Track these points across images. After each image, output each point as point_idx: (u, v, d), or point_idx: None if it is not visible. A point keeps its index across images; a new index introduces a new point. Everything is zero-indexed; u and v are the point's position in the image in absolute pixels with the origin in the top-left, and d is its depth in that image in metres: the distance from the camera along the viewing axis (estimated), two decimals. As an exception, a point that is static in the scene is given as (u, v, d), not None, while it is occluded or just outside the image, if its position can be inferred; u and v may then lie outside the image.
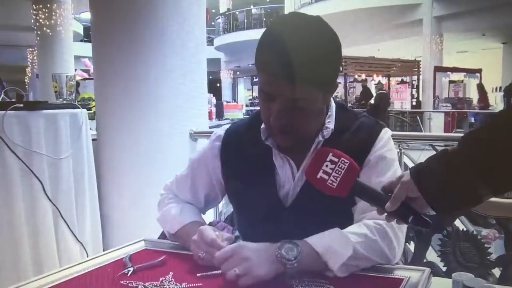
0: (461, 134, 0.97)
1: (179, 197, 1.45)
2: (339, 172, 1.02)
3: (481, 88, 15.39)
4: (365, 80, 16.56)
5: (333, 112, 1.29)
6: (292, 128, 1.18)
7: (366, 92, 15.78)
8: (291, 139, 1.21)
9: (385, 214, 1.02)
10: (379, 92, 13.86)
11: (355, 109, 1.44)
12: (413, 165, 1.53)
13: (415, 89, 18.09)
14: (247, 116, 1.45)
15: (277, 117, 1.16)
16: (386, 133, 1.29)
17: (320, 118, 1.27)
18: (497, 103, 15.71)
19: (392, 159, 1.27)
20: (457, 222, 1.88)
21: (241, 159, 1.34)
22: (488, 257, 1.71)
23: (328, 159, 1.03)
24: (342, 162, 1.03)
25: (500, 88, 16.94)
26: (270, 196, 1.28)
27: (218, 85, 25.12)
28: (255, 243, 1.10)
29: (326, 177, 1.03)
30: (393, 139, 1.32)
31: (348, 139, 1.25)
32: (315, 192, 1.11)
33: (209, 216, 1.56)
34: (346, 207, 1.24)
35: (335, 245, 1.10)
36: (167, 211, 1.40)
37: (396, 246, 1.18)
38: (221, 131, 1.42)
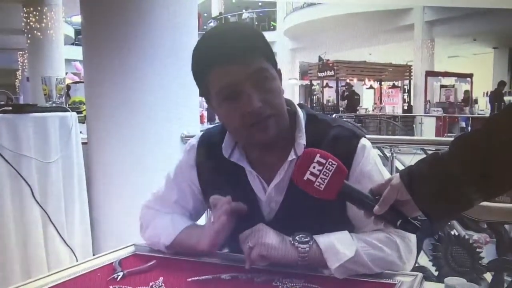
0: (452, 139, 0.96)
1: (162, 211, 1.37)
2: (327, 174, 0.99)
3: None
4: (350, 86, 16.65)
5: (303, 126, 1.23)
6: (270, 110, 1.14)
7: (351, 98, 15.93)
8: (272, 128, 1.16)
9: (373, 217, 1.00)
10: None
11: (328, 117, 1.37)
12: (404, 169, 1.52)
13: (407, 94, 18.18)
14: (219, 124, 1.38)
15: (254, 103, 1.12)
16: (364, 146, 1.22)
17: (285, 119, 1.22)
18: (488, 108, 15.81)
19: (375, 174, 1.21)
20: (449, 227, 1.88)
21: (216, 171, 1.30)
22: (480, 262, 1.71)
23: (315, 161, 1.00)
24: (330, 163, 1.00)
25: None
26: (248, 211, 1.24)
27: (210, 88, 25.07)
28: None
29: (313, 178, 1.00)
30: (384, 143, 1.30)
31: None
32: (292, 208, 1.16)
33: (200, 220, 1.54)
34: (324, 221, 1.17)
35: (338, 245, 1.10)
36: (154, 227, 1.32)
37: (408, 257, 1.17)
38: (194, 141, 1.39)
